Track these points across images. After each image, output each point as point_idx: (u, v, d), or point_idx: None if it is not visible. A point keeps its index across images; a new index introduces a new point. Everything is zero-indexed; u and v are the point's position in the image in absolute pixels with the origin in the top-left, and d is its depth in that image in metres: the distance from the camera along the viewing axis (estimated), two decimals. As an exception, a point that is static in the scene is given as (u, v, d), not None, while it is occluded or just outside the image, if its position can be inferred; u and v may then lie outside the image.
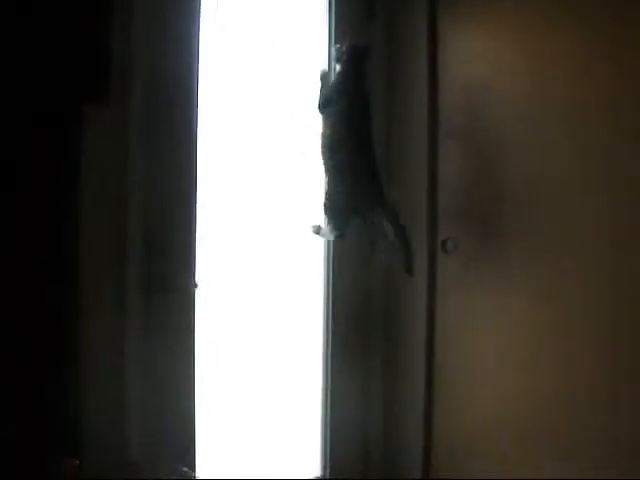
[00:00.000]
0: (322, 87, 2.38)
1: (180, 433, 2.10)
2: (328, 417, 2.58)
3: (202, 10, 2.17)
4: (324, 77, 2.41)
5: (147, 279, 2.05)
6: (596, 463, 2.15)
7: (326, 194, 2.34)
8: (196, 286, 2.17)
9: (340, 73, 2.36)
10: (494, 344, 2.42)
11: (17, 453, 1.66)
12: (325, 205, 2.34)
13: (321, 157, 2.34)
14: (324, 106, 2.35)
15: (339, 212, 2.33)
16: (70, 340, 1.78)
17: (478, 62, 2.45)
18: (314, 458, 2.59)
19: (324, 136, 2.33)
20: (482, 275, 2.45)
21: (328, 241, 2.53)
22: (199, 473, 2.07)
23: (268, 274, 2.45)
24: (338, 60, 2.37)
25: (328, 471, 2.59)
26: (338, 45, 2.39)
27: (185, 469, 1.99)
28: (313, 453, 2.59)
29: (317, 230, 2.41)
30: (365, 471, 2.66)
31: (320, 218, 2.41)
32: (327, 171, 2.34)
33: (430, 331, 2.55)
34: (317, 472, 2.59)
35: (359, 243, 2.51)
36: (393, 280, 2.61)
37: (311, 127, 2.42)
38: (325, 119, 2.34)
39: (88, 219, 1.88)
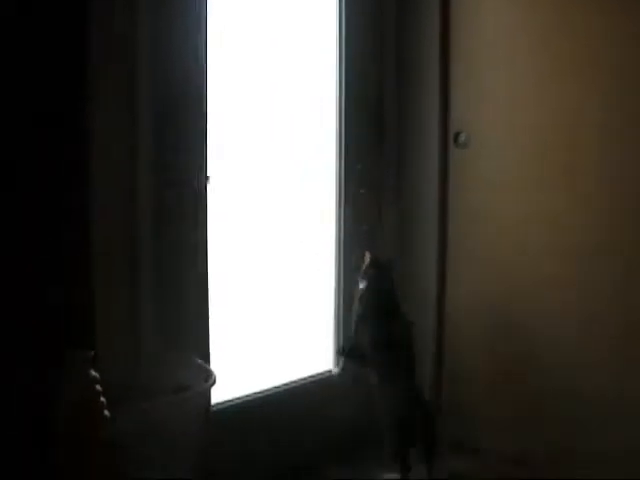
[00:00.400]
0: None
1: (194, 325, 2.11)
2: (340, 312, 2.59)
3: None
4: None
5: (159, 173, 2.02)
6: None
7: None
8: (208, 180, 2.14)
9: (367, 290, 2.33)
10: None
11: (33, 345, 1.67)
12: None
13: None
14: (362, 322, 2.34)
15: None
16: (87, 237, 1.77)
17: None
18: (326, 352, 2.62)
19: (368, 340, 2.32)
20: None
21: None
22: (213, 365, 2.09)
23: (280, 170, 2.45)
24: (363, 276, 2.34)
25: (340, 366, 2.62)
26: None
27: (200, 361, 2.00)
28: (325, 347, 2.62)
29: None
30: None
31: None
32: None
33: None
34: (329, 366, 2.62)
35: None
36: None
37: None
38: (363, 329, 2.34)
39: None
